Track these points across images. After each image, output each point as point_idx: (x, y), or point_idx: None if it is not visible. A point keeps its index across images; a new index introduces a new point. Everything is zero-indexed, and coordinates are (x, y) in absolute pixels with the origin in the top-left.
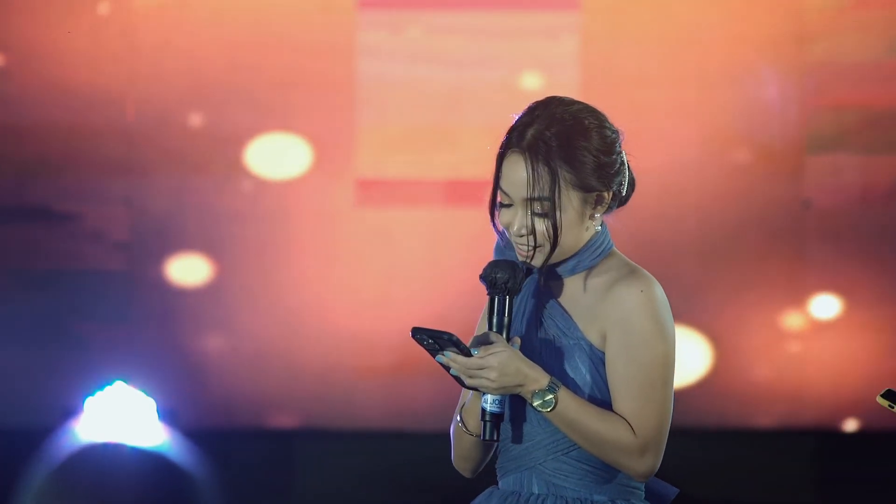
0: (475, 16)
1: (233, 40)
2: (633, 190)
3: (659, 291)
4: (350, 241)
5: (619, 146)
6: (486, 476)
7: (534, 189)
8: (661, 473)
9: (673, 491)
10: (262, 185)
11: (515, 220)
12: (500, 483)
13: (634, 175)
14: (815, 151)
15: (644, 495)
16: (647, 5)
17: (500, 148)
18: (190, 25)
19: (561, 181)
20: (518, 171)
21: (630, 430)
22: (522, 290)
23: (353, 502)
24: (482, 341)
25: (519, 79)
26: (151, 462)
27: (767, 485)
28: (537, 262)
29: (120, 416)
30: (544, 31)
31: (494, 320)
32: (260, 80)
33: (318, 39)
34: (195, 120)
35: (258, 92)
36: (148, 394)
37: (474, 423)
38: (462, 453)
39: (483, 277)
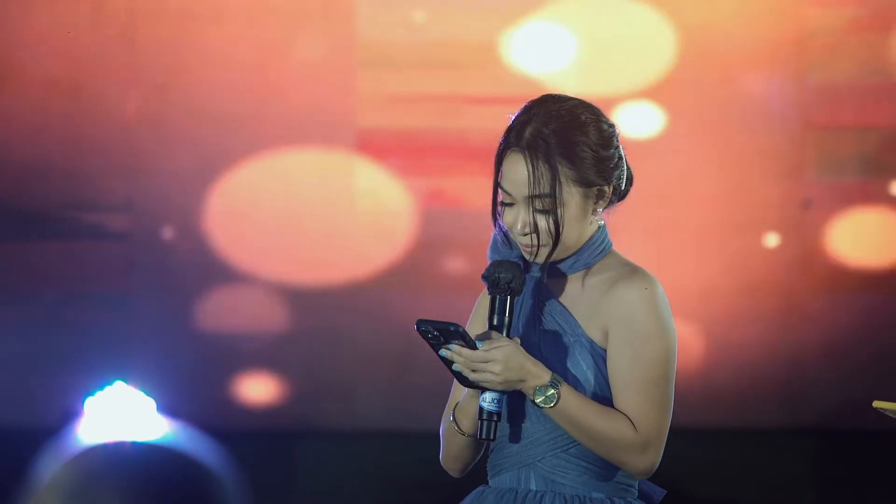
0: None
1: (233, 40)
2: (630, 184)
3: (660, 290)
4: (350, 239)
5: (617, 140)
6: (474, 476)
7: (535, 186)
8: (661, 472)
9: (659, 492)
10: (262, 185)
11: (518, 218)
12: (491, 481)
13: (633, 171)
14: (815, 151)
15: (637, 494)
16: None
17: (499, 147)
18: (190, 25)
19: (562, 177)
20: (519, 170)
21: (632, 427)
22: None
23: (353, 502)
24: (483, 338)
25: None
26: (154, 455)
27: (767, 485)
28: (540, 258)
29: (120, 416)
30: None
31: (495, 320)
32: (260, 80)
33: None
34: (196, 120)
35: (258, 92)
36: (148, 393)
37: (468, 422)
38: (453, 453)
39: (485, 277)
